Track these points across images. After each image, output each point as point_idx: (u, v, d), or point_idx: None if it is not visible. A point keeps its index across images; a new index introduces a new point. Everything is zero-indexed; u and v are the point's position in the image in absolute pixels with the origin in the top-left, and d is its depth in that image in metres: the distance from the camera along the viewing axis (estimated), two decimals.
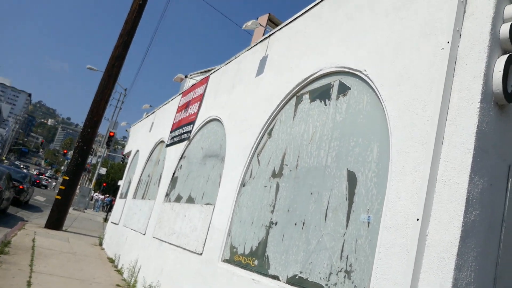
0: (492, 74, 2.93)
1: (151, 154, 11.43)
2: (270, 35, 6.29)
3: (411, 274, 2.72)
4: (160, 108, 12.19)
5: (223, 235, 5.46)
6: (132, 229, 10.18)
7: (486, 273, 2.79)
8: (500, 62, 2.95)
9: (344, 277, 3.38)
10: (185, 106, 9.32)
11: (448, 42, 3.12)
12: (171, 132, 9.77)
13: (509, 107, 3.09)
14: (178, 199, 7.70)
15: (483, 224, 2.78)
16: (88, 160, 49.17)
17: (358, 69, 4.06)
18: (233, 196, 5.59)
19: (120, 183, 15.60)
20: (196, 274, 5.78)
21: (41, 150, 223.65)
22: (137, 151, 13.54)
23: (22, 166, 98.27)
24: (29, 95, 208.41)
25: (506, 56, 2.97)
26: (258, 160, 5.42)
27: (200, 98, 8.42)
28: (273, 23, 13.04)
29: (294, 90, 5.11)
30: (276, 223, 4.55)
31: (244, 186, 5.53)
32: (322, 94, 4.59)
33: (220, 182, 6.20)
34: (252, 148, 5.60)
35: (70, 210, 22.98)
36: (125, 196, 12.94)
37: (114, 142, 54.20)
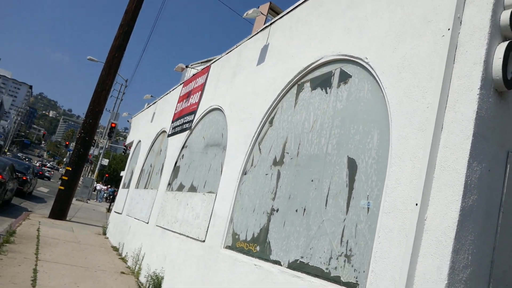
0: (492, 61, 2.96)
1: (153, 144, 11.49)
2: (271, 24, 6.29)
3: (410, 258, 2.78)
4: (161, 99, 12.22)
5: (225, 222, 5.53)
6: (135, 218, 10.27)
7: (484, 256, 2.84)
8: (500, 49, 2.97)
9: (344, 261, 3.44)
10: (186, 96, 9.35)
11: (448, 29, 3.14)
12: (172, 122, 9.81)
13: (509, 94, 3.12)
14: (181, 188, 7.77)
15: (481, 209, 2.83)
16: (90, 152, 49.36)
17: (359, 57, 4.08)
18: (235, 184, 5.64)
19: (122, 173, 15.69)
20: (199, 261, 5.86)
21: (43, 142, 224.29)
22: (139, 141, 13.60)
23: (24, 158, 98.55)
24: (30, 87, 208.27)
25: (506, 43, 2.99)
26: (260, 149, 5.47)
27: (201, 87, 8.45)
28: (274, 11, 13.00)
29: (295, 79, 5.14)
30: (277, 210, 4.61)
31: (245, 174, 5.58)
32: (323, 82, 4.62)
33: (221, 171, 6.25)
34: (254, 136, 5.64)
35: (74, 200, 23.14)
36: (128, 186, 13.03)
37: (116, 133, 54.30)
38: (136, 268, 8.38)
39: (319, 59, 4.74)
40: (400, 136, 3.27)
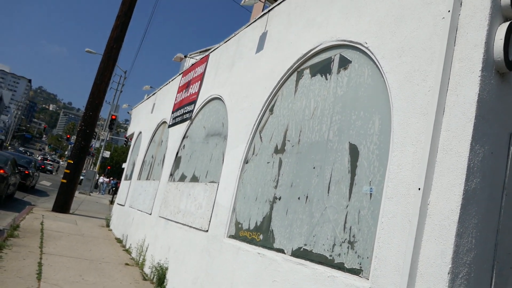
0: (493, 42, 2.92)
1: (154, 135, 11.48)
2: (269, 11, 6.23)
3: (413, 242, 2.77)
4: (160, 89, 12.18)
5: (228, 211, 5.53)
6: (138, 210, 10.31)
7: (487, 239, 2.84)
8: (501, 30, 2.93)
9: (348, 247, 3.44)
10: (186, 86, 9.30)
11: (449, 11, 3.09)
12: (172, 112, 9.79)
13: (510, 75, 3.08)
14: (182, 178, 7.77)
15: (484, 192, 2.81)
16: (92, 144, 49.40)
17: (359, 42, 4.04)
18: (237, 173, 5.63)
19: (124, 165, 15.71)
20: (202, 251, 5.88)
21: (44, 136, 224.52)
22: (140, 132, 13.59)
23: (25, 152, 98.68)
24: (29, 81, 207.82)
25: (507, 23, 2.95)
26: (261, 137, 5.45)
27: (201, 77, 8.40)
28: None
29: (295, 66, 5.10)
30: (279, 198, 4.60)
31: (247, 163, 5.57)
32: (323, 69, 4.58)
33: (223, 160, 6.24)
34: (254, 125, 5.62)
35: (76, 193, 23.21)
36: (130, 178, 13.05)
37: (117, 126, 54.27)
38: (140, 259, 8.42)
39: (318, 45, 4.70)
40: (402, 120, 3.24)
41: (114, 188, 36.22)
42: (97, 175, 37.97)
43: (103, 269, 7.42)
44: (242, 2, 6.69)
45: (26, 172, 19.82)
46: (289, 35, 5.43)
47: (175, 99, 9.90)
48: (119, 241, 10.97)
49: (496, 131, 2.93)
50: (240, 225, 5.24)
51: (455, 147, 2.80)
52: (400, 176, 3.11)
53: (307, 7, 5.19)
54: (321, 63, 4.65)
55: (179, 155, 8.48)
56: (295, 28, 5.32)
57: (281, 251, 4.27)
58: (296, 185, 4.38)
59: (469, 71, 2.88)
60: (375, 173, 3.43)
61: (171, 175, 8.50)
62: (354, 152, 3.74)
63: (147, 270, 7.86)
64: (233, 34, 7.41)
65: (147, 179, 10.64)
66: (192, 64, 9.47)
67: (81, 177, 29.14)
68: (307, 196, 4.15)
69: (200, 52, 16.64)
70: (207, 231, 5.95)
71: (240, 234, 5.17)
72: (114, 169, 58.73)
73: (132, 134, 15.15)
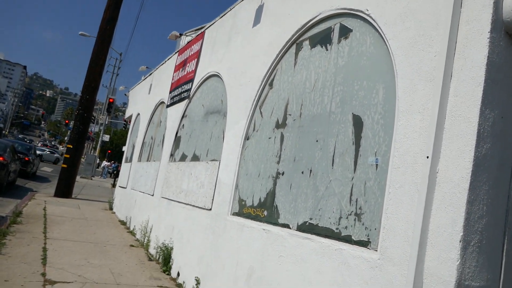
0: (502, 2, 2.79)
1: (152, 116, 11.36)
2: None
3: (423, 212, 2.71)
4: (157, 69, 12.00)
5: (231, 189, 5.48)
6: (140, 192, 10.28)
7: (499, 206, 2.77)
8: None
9: (355, 220, 3.38)
10: (182, 64, 9.14)
11: None
12: (170, 92, 9.65)
13: None
14: (183, 158, 7.70)
15: (495, 157, 2.73)
16: (91, 129, 49.25)
17: (360, 9, 3.89)
18: (238, 150, 5.55)
19: (124, 148, 15.64)
20: (206, 229, 5.85)
21: (43, 122, 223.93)
22: (138, 114, 13.46)
23: (24, 139, 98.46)
24: (24, 67, 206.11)
25: None
26: (261, 112, 5.35)
27: (197, 54, 8.24)
28: None
29: (293, 38, 4.96)
30: (283, 173, 4.53)
31: (248, 139, 5.49)
32: (323, 39, 4.44)
33: (223, 138, 6.16)
34: (254, 100, 5.51)
35: (78, 178, 23.21)
36: (130, 160, 12.99)
37: (115, 109, 54.02)
38: (145, 240, 8.43)
39: (317, 15, 4.55)
40: (407, 88, 3.14)
41: (115, 172, 36.28)
42: (98, 159, 37.97)
43: (108, 252, 7.42)
44: None
45: (26, 159, 19.77)
46: (286, 7, 5.27)
47: (172, 79, 9.75)
48: (122, 223, 10.99)
49: (506, 94, 2.83)
50: (243, 202, 5.19)
51: (464, 113, 2.70)
52: (406, 145, 3.02)
53: None
54: (320, 34, 4.51)
55: (178, 135, 8.39)
56: None
57: (286, 226, 4.22)
58: (299, 160, 4.31)
59: (477, 33, 2.76)
60: (380, 143, 3.34)
61: (172, 155, 8.43)
62: (358, 123, 3.65)
63: (152, 251, 7.87)
64: (229, 9, 7.23)
65: (147, 160, 10.57)
66: (188, 42, 9.29)
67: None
68: (311, 170, 4.08)
69: (196, 30, 16.36)
70: (210, 209, 5.91)
71: (244, 211, 5.13)
72: (114, 153, 58.72)
73: (131, 117, 15.02)
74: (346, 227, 3.45)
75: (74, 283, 5.34)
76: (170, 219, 7.45)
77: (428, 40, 3.07)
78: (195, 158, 7.10)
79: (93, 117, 40.84)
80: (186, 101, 8.29)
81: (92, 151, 53.91)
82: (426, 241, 2.69)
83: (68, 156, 14.86)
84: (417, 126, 2.98)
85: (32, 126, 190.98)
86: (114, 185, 26.48)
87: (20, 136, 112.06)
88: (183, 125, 8.25)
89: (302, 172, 4.20)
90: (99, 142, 37.81)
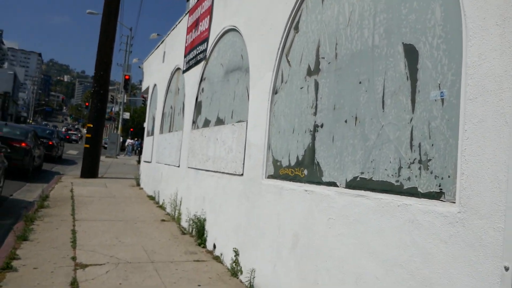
0: None
1: (169, 84, 10.84)
2: None
3: None
4: (168, 35, 11.37)
5: (263, 150, 4.96)
6: (165, 164, 9.90)
7: None
8: None
9: (419, 168, 2.82)
10: (195, 24, 8.50)
11: None
12: (185, 56, 9.06)
13: None
14: (206, 123, 7.20)
15: None
16: (111, 109, 49.31)
17: None
18: (266, 107, 5.00)
19: (145, 125, 15.28)
20: (240, 196, 5.39)
21: (64, 107, 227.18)
22: (155, 85, 12.96)
23: (51, 126, 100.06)
24: (40, 55, 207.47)
25: None
26: (288, 61, 4.74)
27: (209, 11, 7.58)
28: None
29: None
30: (322, 126, 3.97)
31: (276, 93, 4.91)
32: None
33: (248, 96, 5.60)
34: (278, 49, 4.89)
35: (103, 158, 23.19)
36: (152, 134, 12.60)
37: (132, 87, 53.81)
38: (176, 214, 8.09)
39: None
40: None
41: (139, 149, 36.32)
42: (121, 137, 38.06)
43: (139, 228, 7.10)
44: None
45: (50, 143, 19.73)
46: None
47: (186, 42, 9.14)
48: (151, 198, 10.70)
49: None
50: (278, 163, 4.67)
51: None
52: (483, 68, 2.40)
53: None
54: None
55: (199, 100, 7.86)
56: None
57: (332, 184, 3.70)
58: (341, 107, 3.73)
59: None
60: (444, 73, 2.73)
61: (194, 122, 7.94)
62: (411, 53, 3.02)
63: (184, 224, 7.52)
64: None
65: (169, 131, 10.14)
66: (198, 0, 8.61)
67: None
68: (356, 117, 3.51)
69: None
70: (242, 174, 5.43)
71: (280, 172, 4.62)
72: (136, 130, 59.05)
73: (147, 89, 14.52)
74: (409, 178, 2.90)
75: (106, 265, 5.01)
76: (199, 189, 7.04)
77: None
78: (220, 121, 6.58)
79: (111, 97, 40.73)
80: (203, 63, 7.71)
81: (114, 130, 54.27)
82: None
83: (89, 135, 14.59)
84: (496, 43, 2.35)
85: (54, 112, 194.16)
86: (139, 162, 26.46)
87: (44, 123, 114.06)
88: (203, 88, 7.70)
89: (346, 121, 3.63)
90: (120, 121, 37.75)
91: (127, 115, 40.30)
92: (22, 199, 9.37)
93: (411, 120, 2.95)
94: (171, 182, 9.08)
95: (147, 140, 13.58)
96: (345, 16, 3.81)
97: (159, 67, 12.24)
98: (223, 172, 6.09)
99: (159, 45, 12.56)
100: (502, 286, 2.15)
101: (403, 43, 3.11)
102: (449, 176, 2.59)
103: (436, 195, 2.66)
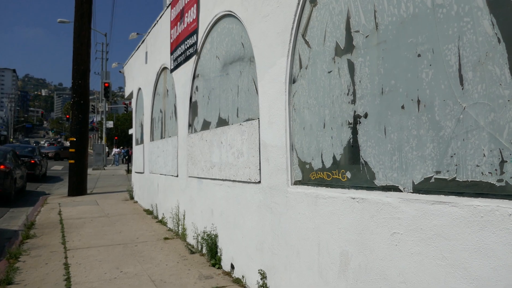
0: None
1: (156, 86, 9.91)
2: None
3: None
4: (149, 33, 10.43)
5: (284, 151, 4.14)
6: (161, 174, 9.00)
7: None
8: None
9: None
10: (179, 17, 7.62)
11: None
12: (171, 54, 8.17)
13: None
14: (206, 126, 6.34)
15: None
16: (92, 119, 47.89)
17: None
18: (283, 99, 4.17)
19: (131, 131, 14.30)
20: (259, 208, 4.57)
21: (45, 122, 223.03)
22: (139, 89, 12.00)
23: (33, 142, 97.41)
24: (14, 71, 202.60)
25: None
26: (306, 42, 3.92)
27: None
28: None
29: None
30: (365, 115, 3.16)
31: (294, 82, 4.09)
32: None
33: (257, 89, 4.77)
34: (292, 29, 4.07)
35: (90, 170, 22.15)
36: (141, 142, 11.67)
37: (112, 95, 52.45)
38: (180, 229, 7.24)
39: None
40: None
41: (127, 157, 35.22)
42: (106, 147, 36.85)
43: (141, 252, 6.23)
44: None
45: (32, 161, 18.65)
46: None
47: (170, 38, 8.24)
48: (148, 212, 9.80)
49: None
50: (307, 166, 3.86)
51: None
52: None
53: None
54: None
55: (193, 100, 6.99)
56: None
57: (392, 188, 2.90)
58: (393, 89, 2.92)
59: None
60: None
61: (190, 125, 7.07)
62: (500, 5, 2.23)
63: (191, 240, 6.67)
64: None
65: (161, 138, 9.24)
66: None
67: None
68: (418, 100, 2.71)
69: None
70: (259, 182, 4.61)
71: (311, 177, 3.80)
72: (121, 138, 57.67)
73: (131, 94, 13.52)
74: None
75: None
76: (205, 201, 6.19)
77: None
78: (222, 122, 5.74)
79: (92, 107, 39.48)
80: (194, 58, 6.84)
81: (99, 141, 52.92)
82: None
83: (73, 150, 13.57)
84: None
85: (35, 128, 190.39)
86: (128, 171, 25.41)
87: (26, 139, 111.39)
88: (197, 87, 6.83)
89: (403, 107, 2.82)
90: (104, 130, 36.51)
91: (110, 124, 39.04)
92: (5, 228, 8.41)
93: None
94: (170, 194, 8.21)
95: (136, 149, 12.62)
96: None
97: (143, 69, 11.28)
98: (233, 180, 5.26)
99: (139, 46, 11.59)
100: None
101: None
102: None
103: None
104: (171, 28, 8.18)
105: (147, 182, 10.48)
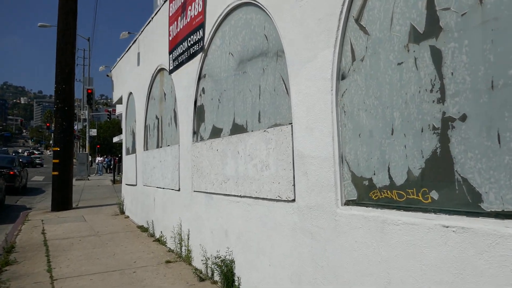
0: None
1: (151, 90, 9.03)
2: None
3: None
4: (142, 32, 9.56)
5: (330, 163, 3.35)
6: (158, 187, 8.11)
7: None
8: None
9: None
10: (181, 10, 6.80)
11: None
12: (170, 53, 7.33)
13: None
14: (216, 133, 5.52)
15: None
16: (74, 126, 46.43)
17: None
18: (328, 100, 3.40)
19: (115, 139, 13.31)
20: (294, 231, 3.77)
21: (24, 131, 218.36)
22: (130, 93, 11.08)
23: (12, 152, 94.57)
24: None
25: None
26: (362, 27, 3.15)
27: None
28: None
29: None
30: (463, 118, 2.40)
31: (344, 79, 3.32)
32: None
33: (287, 88, 3.99)
34: (341, 13, 3.30)
35: (74, 181, 21.01)
36: (133, 151, 10.74)
37: (95, 102, 51.11)
38: (183, 251, 6.36)
39: None
40: None
41: (111, 166, 33.99)
42: (89, 156, 35.55)
43: (142, 281, 5.34)
44: None
45: (11, 172, 17.51)
46: None
47: (169, 35, 7.40)
48: (143, 229, 8.86)
49: None
50: (365, 182, 3.08)
51: None
52: None
53: None
54: None
55: (199, 104, 6.17)
56: None
57: (510, 216, 2.14)
58: (509, 83, 2.17)
59: None
60: None
61: (195, 133, 6.24)
62: None
63: (198, 264, 5.81)
64: None
65: (158, 147, 8.36)
66: None
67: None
68: None
69: None
70: (292, 200, 3.81)
71: (372, 196, 3.02)
72: (103, 147, 56.26)
73: (120, 99, 12.56)
74: None
75: None
76: (217, 220, 5.35)
77: None
78: (239, 129, 4.93)
79: (75, 113, 38.20)
80: (199, 56, 6.02)
81: (81, 150, 51.42)
82: None
83: (57, 160, 12.54)
84: None
85: (14, 137, 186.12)
86: (114, 181, 24.29)
87: (4, 148, 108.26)
88: (203, 89, 6.01)
89: None
90: (87, 138, 35.22)
91: (94, 132, 37.80)
92: None
93: None
94: (169, 210, 7.33)
95: (128, 159, 11.67)
96: None
97: (134, 72, 10.38)
98: (255, 198, 4.44)
99: (130, 47, 10.70)
100: None
101: None
102: None
103: None
104: (170, 24, 7.35)
105: (141, 196, 9.55)
